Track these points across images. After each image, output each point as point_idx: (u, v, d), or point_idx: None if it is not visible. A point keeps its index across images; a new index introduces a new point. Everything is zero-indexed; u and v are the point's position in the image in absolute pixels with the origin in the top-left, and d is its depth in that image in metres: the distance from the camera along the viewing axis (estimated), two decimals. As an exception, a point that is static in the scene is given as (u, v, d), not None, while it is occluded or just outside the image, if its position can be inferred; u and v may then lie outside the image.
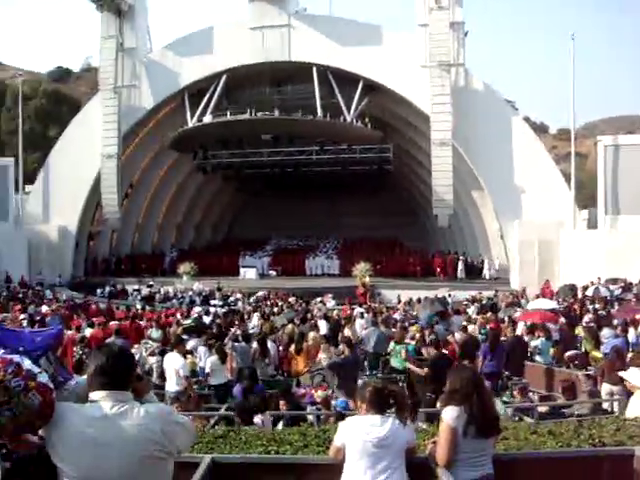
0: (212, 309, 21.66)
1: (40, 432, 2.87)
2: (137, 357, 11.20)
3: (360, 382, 9.26)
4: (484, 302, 24.63)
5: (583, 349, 13.47)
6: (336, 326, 17.18)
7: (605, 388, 9.58)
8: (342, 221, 47.27)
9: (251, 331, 15.63)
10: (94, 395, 2.85)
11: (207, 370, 11.34)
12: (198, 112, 33.41)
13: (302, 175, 40.51)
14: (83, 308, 23.28)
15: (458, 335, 14.17)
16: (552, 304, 19.06)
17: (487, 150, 30.30)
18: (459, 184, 32.03)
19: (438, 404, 7.64)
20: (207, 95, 33.84)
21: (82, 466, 2.72)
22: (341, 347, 12.09)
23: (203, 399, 10.57)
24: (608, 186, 28.48)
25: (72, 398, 3.12)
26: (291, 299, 26.99)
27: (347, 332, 15.64)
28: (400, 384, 11.00)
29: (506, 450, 4.71)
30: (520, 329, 15.46)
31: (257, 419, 7.05)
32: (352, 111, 32.17)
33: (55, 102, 66.59)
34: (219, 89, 33.78)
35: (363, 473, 4.00)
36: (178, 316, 19.95)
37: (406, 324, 17.69)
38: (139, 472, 2.76)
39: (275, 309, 23.37)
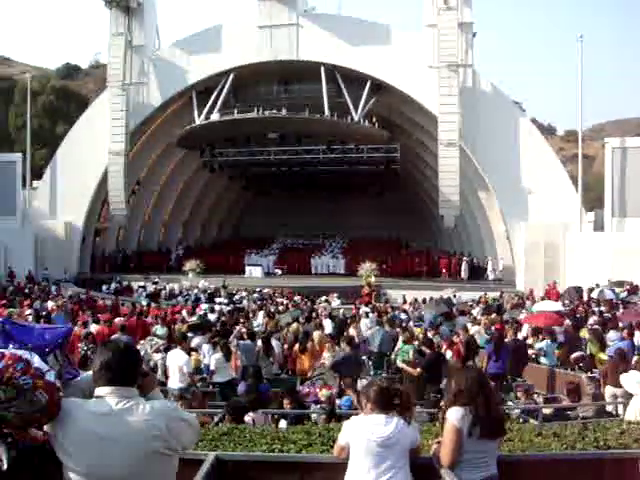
0: (217, 307, 21.65)
1: (45, 428, 2.89)
2: (142, 354, 11.22)
3: (365, 381, 9.29)
4: (489, 303, 24.60)
5: (588, 351, 13.45)
6: (341, 325, 17.19)
7: (609, 391, 9.57)
8: (348, 220, 47.24)
9: (256, 329, 15.64)
10: (99, 391, 2.86)
11: (212, 367, 11.36)
12: (206, 110, 33.42)
13: (309, 174, 40.52)
14: (88, 304, 23.33)
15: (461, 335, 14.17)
16: (557, 306, 19.03)
17: (494, 151, 30.24)
18: (466, 185, 31.97)
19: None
20: (215, 93, 33.84)
21: (87, 462, 2.73)
22: (342, 345, 12.12)
23: (207, 396, 10.58)
24: (615, 188, 28.40)
25: (77, 394, 3.13)
26: (296, 298, 27.00)
27: (352, 331, 15.64)
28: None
29: (511, 452, 4.71)
30: (525, 331, 15.45)
31: (247, 417, 7.07)
32: (359, 111, 32.13)
33: (63, 99, 66.73)
34: (227, 87, 33.78)
35: (367, 472, 4.00)
36: (184, 313, 19.96)
37: (411, 323, 17.73)
38: (144, 468, 2.77)
39: (280, 307, 23.37)
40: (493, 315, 19.02)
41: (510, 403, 9.39)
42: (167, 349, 11.99)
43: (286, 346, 14.22)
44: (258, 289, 30.31)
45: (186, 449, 3.02)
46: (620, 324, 14.83)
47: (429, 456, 4.29)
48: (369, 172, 38.85)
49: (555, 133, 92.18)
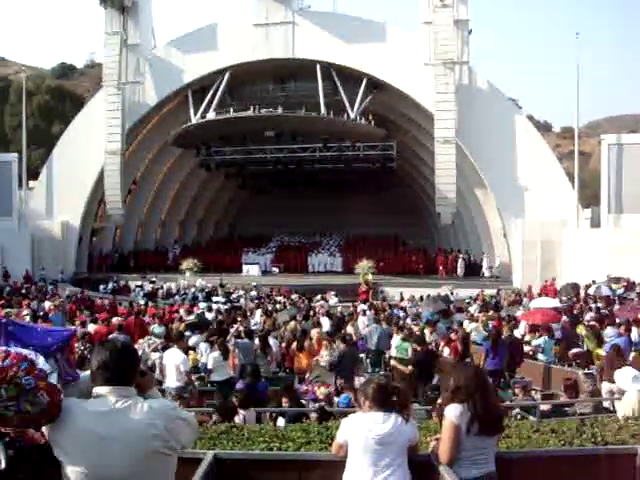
0: (215, 305, 21.65)
1: (43, 428, 2.89)
2: (140, 353, 11.21)
3: (362, 379, 9.30)
4: (487, 300, 24.64)
5: (585, 347, 13.48)
6: (339, 323, 17.20)
7: (605, 386, 9.59)
8: (345, 218, 47.21)
9: (253, 328, 15.64)
10: (98, 390, 2.86)
11: (209, 366, 11.35)
12: (201, 109, 33.36)
13: (305, 172, 40.43)
14: (84, 303, 23.32)
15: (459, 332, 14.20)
16: (554, 303, 19.06)
17: (490, 148, 30.25)
18: (462, 182, 31.98)
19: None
20: (211, 92, 33.79)
21: (85, 461, 2.73)
22: (337, 343, 12.13)
23: (206, 395, 10.58)
24: (611, 185, 28.46)
25: (75, 393, 3.13)
26: (294, 296, 27.00)
27: (350, 329, 15.65)
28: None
29: (509, 448, 4.72)
30: (522, 328, 15.48)
31: (237, 418, 7.11)
32: (355, 108, 32.10)
33: (59, 98, 66.57)
34: (222, 86, 33.73)
35: (365, 470, 4.01)
36: (181, 312, 19.95)
37: (408, 320, 17.75)
38: (142, 467, 2.77)
39: (277, 306, 23.38)
40: (490, 312, 19.05)
41: (507, 402, 9.37)
42: (165, 348, 11.98)
43: (284, 344, 14.23)
44: (253, 284, 30.37)
45: (185, 448, 3.02)
46: (617, 320, 14.87)
47: (427, 453, 4.30)
48: (366, 170, 38.79)
49: (551, 130, 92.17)
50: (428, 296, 24.80)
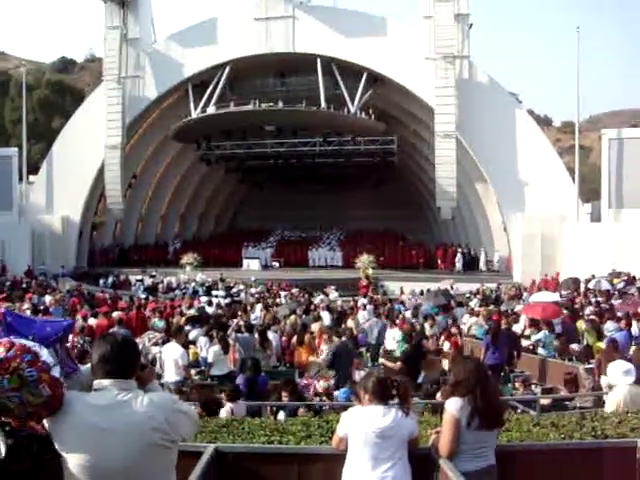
0: (215, 300, 21.65)
1: (44, 421, 2.90)
2: (140, 347, 11.22)
3: (362, 373, 9.32)
4: (487, 295, 24.66)
5: (585, 342, 13.48)
6: (339, 317, 17.22)
7: (604, 380, 9.58)
8: (345, 213, 47.21)
9: (254, 322, 15.64)
10: (98, 383, 2.86)
11: (209, 360, 11.36)
12: (202, 103, 33.35)
13: (305, 167, 40.43)
14: (83, 297, 23.32)
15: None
16: (555, 297, 19.05)
17: (491, 143, 30.24)
18: (462, 177, 31.98)
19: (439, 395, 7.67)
20: (211, 86, 33.77)
21: (86, 454, 2.73)
22: (333, 338, 12.13)
23: (206, 389, 10.58)
24: (612, 179, 28.45)
25: (76, 386, 3.14)
26: (294, 290, 27.01)
27: (350, 323, 15.67)
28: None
29: (509, 441, 4.73)
30: (522, 322, 15.48)
31: (224, 412, 7.16)
32: (356, 103, 32.09)
33: (59, 92, 66.36)
34: (223, 80, 33.71)
35: (365, 463, 4.02)
36: (183, 307, 19.94)
37: (408, 314, 17.76)
38: (143, 460, 2.77)
39: (278, 300, 23.39)
40: (491, 306, 19.06)
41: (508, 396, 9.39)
42: (165, 342, 11.99)
43: (284, 338, 14.25)
44: (252, 279, 30.37)
45: (185, 441, 3.03)
46: (618, 314, 14.87)
47: (428, 446, 4.31)
48: (366, 164, 38.81)
49: (551, 124, 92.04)
50: (428, 290, 24.83)
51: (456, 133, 30.16)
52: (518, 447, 4.65)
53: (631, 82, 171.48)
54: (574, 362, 12.06)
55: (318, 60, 32.40)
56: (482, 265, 33.99)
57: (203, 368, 11.88)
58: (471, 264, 34.63)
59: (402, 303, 22.68)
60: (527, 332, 14.47)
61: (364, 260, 32.49)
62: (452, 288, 26.77)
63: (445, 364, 11.10)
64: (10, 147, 40.02)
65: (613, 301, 18.63)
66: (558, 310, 15.22)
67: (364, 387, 4.29)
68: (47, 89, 65.72)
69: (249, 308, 19.32)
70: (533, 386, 10.94)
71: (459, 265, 34.22)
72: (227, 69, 33.72)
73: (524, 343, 13.78)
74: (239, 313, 16.78)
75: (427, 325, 15.08)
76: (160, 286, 30.44)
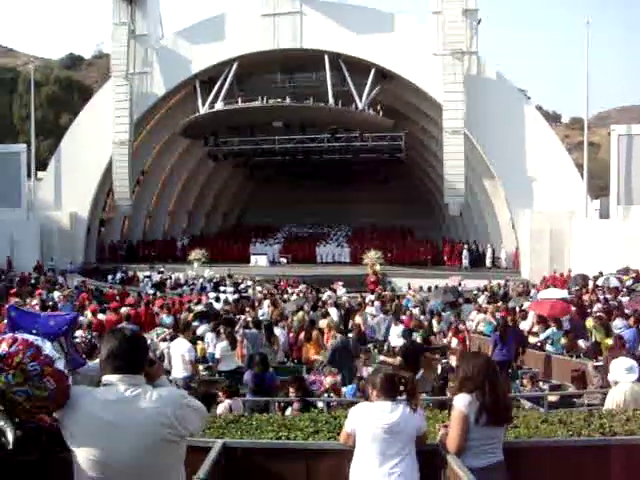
0: (223, 296, 21.68)
1: (54, 415, 2.92)
2: (148, 342, 11.24)
3: (370, 369, 9.31)
4: (495, 291, 24.61)
5: (593, 339, 13.43)
6: (347, 314, 17.22)
7: (611, 377, 9.54)
8: (353, 209, 47.18)
9: (261, 318, 15.65)
10: (107, 379, 2.88)
11: (217, 356, 11.38)
12: (209, 99, 33.38)
13: (313, 163, 40.44)
14: (91, 293, 23.38)
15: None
16: (563, 293, 18.99)
17: (499, 139, 30.14)
18: (471, 173, 31.91)
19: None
20: (218, 82, 33.78)
21: (95, 449, 2.74)
22: (337, 335, 12.13)
23: (213, 385, 10.61)
24: (621, 176, 28.29)
25: (85, 382, 3.16)
26: (302, 286, 27.02)
27: (358, 319, 15.67)
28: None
29: (517, 438, 4.72)
30: (530, 319, 15.44)
31: (221, 408, 7.19)
32: (364, 99, 32.04)
33: (67, 89, 66.62)
34: (230, 76, 33.70)
35: (373, 459, 4.02)
36: (192, 302, 19.97)
37: (416, 311, 17.76)
38: (152, 455, 2.79)
39: (285, 296, 23.40)
40: (499, 303, 19.03)
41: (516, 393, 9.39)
42: (173, 338, 12.02)
43: (291, 334, 14.26)
44: (257, 279, 30.33)
45: (193, 436, 3.04)
46: (626, 311, 14.81)
47: (435, 442, 4.31)
48: (374, 160, 38.81)
49: (560, 121, 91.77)
50: (436, 287, 24.80)
51: (464, 129, 30.07)
52: (526, 444, 4.64)
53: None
54: (582, 359, 12.02)
55: (326, 56, 32.36)
56: (488, 262, 33.91)
57: (211, 364, 11.91)
58: (478, 261, 34.55)
59: (408, 299, 22.67)
60: (535, 329, 14.44)
61: (372, 256, 32.47)
62: (460, 285, 26.73)
63: (453, 360, 11.08)
64: (19, 143, 40.21)
65: (621, 298, 18.56)
66: (566, 307, 15.18)
67: (372, 383, 4.29)
68: (55, 86, 65.98)
69: (257, 304, 19.36)
70: (541, 383, 10.91)
71: (466, 262, 34.17)
72: (235, 65, 33.71)
73: (532, 340, 13.76)
74: (247, 309, 16.82)
75: (434, 321, 15.08)
76: (168, 282, 30.52)
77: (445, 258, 35.90)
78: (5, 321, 3.38)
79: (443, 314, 16.29)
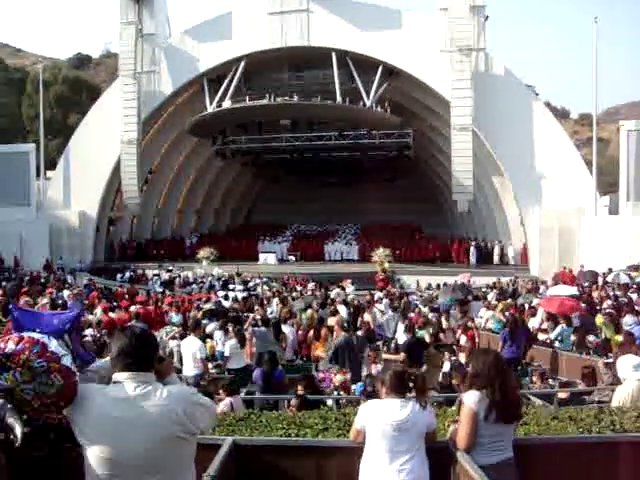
0: (232, 294, 21.70)
1: (65, 412, 2.93)
2: (157, 340, 11.28)
3: (380, 366, 9.31)
4: (504, 288, 24.52)
5: (602, 335, 13.37)
6: (356, 311, 17.20)
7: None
8: (361, 207, 47.12)
9: (270, 316, 15.67)
10: (117, 376, 2.89)
11: (226, 354, 11.40)
12: (217, 97, 33.41)
13: (321, 160, 40.44)
14: (100, 291, 23.46)
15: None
16: (572, 290, 18.91)
17: (507, 135, 30.05)
18: (479, 170, 31.83)
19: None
20: (226, 80, 33.81)
21: (105, 446, 2.76)
22: (341, 333, 12.12)
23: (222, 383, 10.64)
24: (630, 172, 28.13)
25: (95, 379, 3.17)
26: (310, 284, 27.00)
27: (367, 317, 15.65)
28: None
29: (527, 435, 4.71)
30: (539, 316, 15.38)
31: (222, 405, 7.22)
32: (371, 96, 31.99)
33: (75, 88, 66.75)
34: (238, 74, 33.71)
35: (383, 456, 4.03)
36: (201, 300, 20.01)
37: (425, 309, 17.72)
38: (162, 452, 2.80)
39: (294, 294, 23.39)
40: (508, 300, 18.96)
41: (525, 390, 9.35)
42: (183, 337, 12.06)
43: (300, 332, 14.27)
44: (264, 279, 30.24)
45: (204, 433, 3.05)
46: (636, 308, 14.74)
47: (445, 439, 4.31)
48: (382, 158, 38.77)
49: (569, 117, 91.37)
50: (445, 284, 24.72)
51: (472, 126, 30.00)
52: (536, 440, 4.63)
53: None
54: (592, 356, 11.97)
55: (333, 54, 32.32)
56: (496, 258, 33.83)
57: (220, 362, 11.94)
58: (485, 258, 34.46)
59: (420, 297, 22.66)
60: (544, 325, 14.39)
61: (380, 254, 32.44)
62: (469, 282, 26.65)
63: (462, 357, 11.05)
64: (28, 143, 40.37)
65: (631, 295, 18.46)
66: (575, 305, 15.11)
67: (382, 380, 4.29)
68: (63, 85, 66.14)
69: (266, 302, 19.38)
70: (550, 380, 10.87)
71: (473, 259, 34.09)
72: (242, 63, 33.72)
73: (542, 337, 13.71)
74: (256, 307, 16.84)
75: (443, 319, 15.06)
76: (177, 280, 30.55)
77: (454, 255, 35.83)
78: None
79: (451, 311, 16.23)
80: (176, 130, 38.27)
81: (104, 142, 34.79)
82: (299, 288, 25.88)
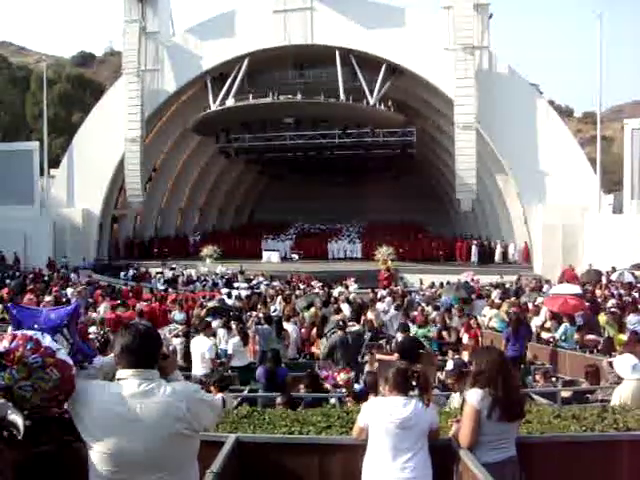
0: (235, 292, 21.72)
1: (67, 407, 2.94)
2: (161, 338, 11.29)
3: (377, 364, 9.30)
4: (507, 287, 24.48)
5: (606, 334, 13.37)
6: (359, 310, 17.20)
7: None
8: (365, 205, 47.14)
9: (273, 314, 15.68)
10: (121, 373, 2.90)
11: (229, 352, 11.41)
12: (221, 95, 33.40)
13: (325, 159, 40.42)
14: (102, 289, 23.50)
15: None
16: (576, 289, 18.88)
17: (511, 134, 30.00)
18: (483, 168, 31.80)
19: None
20: (230, 78, 33.80)
21: (109, 442, 2.77)
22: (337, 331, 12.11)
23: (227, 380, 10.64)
24: (634, 170, 28.07)
25: (99, 376, 3.18)
26: (314, 282, 26.99)
27: (370, 315, 15.65)
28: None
29: (529, 433, 4.71)
30: (543, 314, 15.37)
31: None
32: (375, 94, 31.97)
33: (78, 86, 66.82)
34: (241, 72, 33.70)
35: (386, 453, 4.03)
36: (205, 298, 20.03)
37: (429, 308, 17.71)
38: (166, 449, 2.81)
39: (297, 292, 23.39)
40: (512, 299, 18.93)
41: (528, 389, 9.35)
42: (186, 334, 12.08)
43: (303, 330, 14.27)
44: (266, 280, 30.21)
45: (207, 430, 3.05)
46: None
47: (448, 437, 4.31)
48: (385, 156, 38.76)
49: (573, 115, 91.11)
50: (448, 283, 24.71)
51: (476, 124, 29.97)
52: (539, 439, 4.63)
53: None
54: (595, 355, 11.96)
55: (337, 52, 32.30)
56: (498, 257, 33.78)
57: (223, 360, 11.95)
58: (488, 256, 34.39)
59: (423, 295, 22.64)
60: (548, 324, 14.37)
61: (383, 252, 32.43)
62: (473, 280, 26.62)
63: (465, 356, 11.05)
64: (31, 141, 40.41)
65: (635, 293, 18.44)
66: (579, 304, 15.09)
67: (385, 378, 4.29)
68: (67, 83, 66.19)
69: (269, 300, 19.39)
70: (553, 378, 10.87)
71: (474, 257, 34.06)
72: (246, 61, 33.70)
73: (545, 335, 13.70)
74: (259, 305, 16.86)
75: (446, 317, 15.05)
76: (180, 278, 30.59)
77: (457, 254, 35.79)
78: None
79: (454, 310, 16.21)
80: (179, 128, 38.31)
81: (107, 140, 34.80)
82: (302, 286, 25.86)
